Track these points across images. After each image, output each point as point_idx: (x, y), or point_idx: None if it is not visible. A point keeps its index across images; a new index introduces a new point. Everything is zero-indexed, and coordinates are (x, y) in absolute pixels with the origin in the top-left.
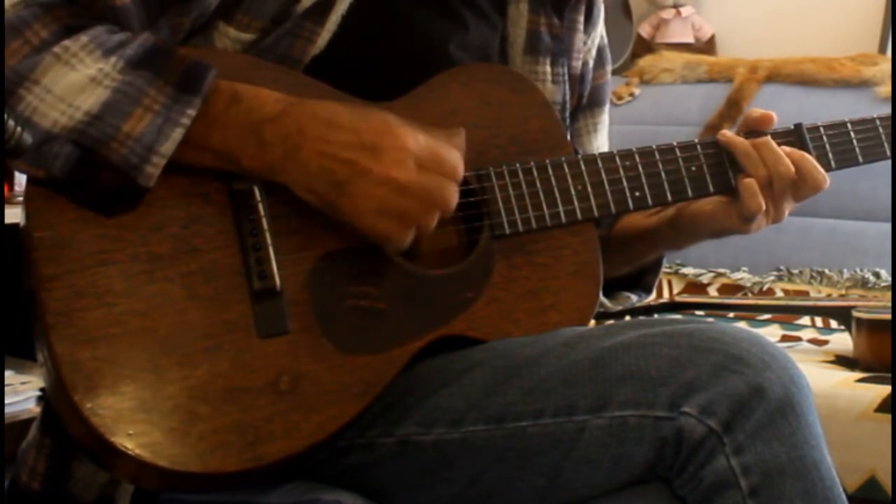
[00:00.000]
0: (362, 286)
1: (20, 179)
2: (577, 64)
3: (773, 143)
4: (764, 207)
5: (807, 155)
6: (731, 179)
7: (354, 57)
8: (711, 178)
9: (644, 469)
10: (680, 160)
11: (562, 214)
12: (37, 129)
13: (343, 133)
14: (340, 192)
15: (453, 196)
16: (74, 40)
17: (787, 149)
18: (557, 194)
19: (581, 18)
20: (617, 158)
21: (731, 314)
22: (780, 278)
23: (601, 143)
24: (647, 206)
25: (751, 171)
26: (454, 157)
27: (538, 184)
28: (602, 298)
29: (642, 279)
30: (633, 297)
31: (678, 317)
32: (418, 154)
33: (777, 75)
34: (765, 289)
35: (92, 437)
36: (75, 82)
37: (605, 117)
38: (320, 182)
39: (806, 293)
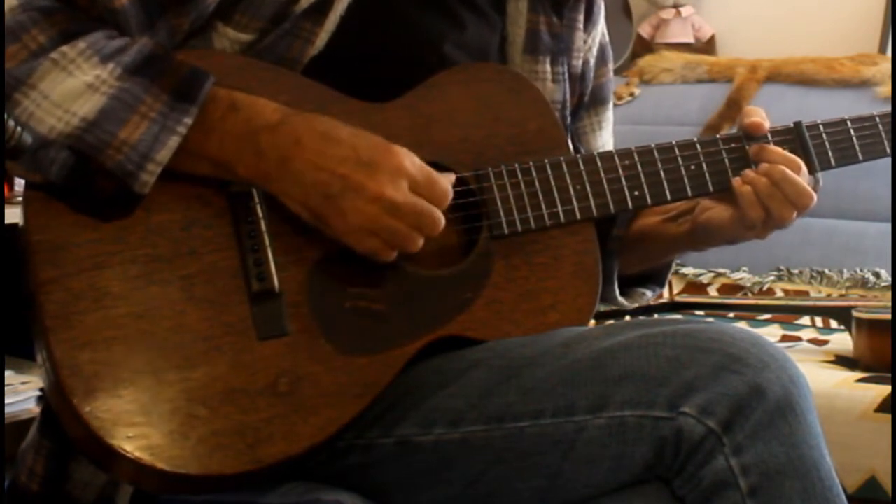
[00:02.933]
0: (361, 287)
1: (20, 179)
2: (578, 63)
3: (792, 176)
4: (764, 216)
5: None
6: (731, 179)
7: (353, 57)
8: (710, 178)
9: (643, 469)
10: (679, 159)
11: (560, 214)
12: (33, 135)
13: (340, 147)
14: (332, 205)
15: (439, 224)
16: (72, 46)
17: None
18: (556, 194)
19: (581, 17)
20: (616, 158)
21: (731, 314)
22: (780, 278)
23: (605, 140)
24: (646, 206)
25: (773, 210)
26: (445, 185)
27: (537, 184)
28: (619, 298)
29: (658, 274)
30: (648, 293)
31: (678, 317)
32: (413, 175)
33: (777, 75)
34: (765, 289)
35: (91, 440)
36: (72, 88)
37: (608, 114)
38: (313, 194)
39: (806, 293)
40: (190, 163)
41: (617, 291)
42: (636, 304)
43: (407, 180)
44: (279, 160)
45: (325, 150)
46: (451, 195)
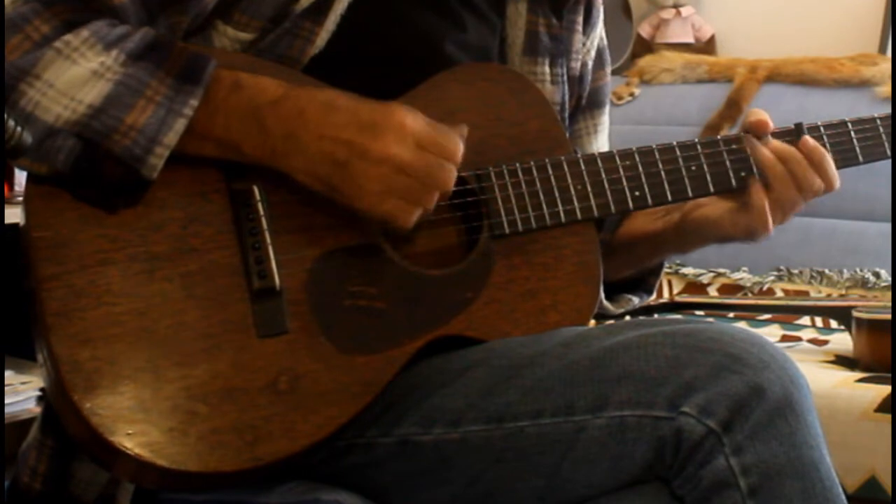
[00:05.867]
0: (362, 286)
1: (20, 179)
2: (576, 65)
3: (802, 160)
4: (772, 227)
5: (828, 155)
6: (731, 179)
7: (353, 56)
8: (711, 178)
9: (643, 469)
10: (680, 160)
11: (561, 214)
12: (39, 124)
13: (342, 115)
14: (341, 173)
15: (452, 177)
16: (75, 35)
17: (811, 143)
18: (557, 194)
19: (580, 20)
20: (617, 158)
21: (731, 314)
22: (780, 278)
23: (601, 144)
24: (646, 206)
25: (777, 188)
26: (453, 140)
27: (538, 184)
28: (604, 302)
29: (644, 281)
30: (635, 300)
31: (678, 317)
32: (417, 133)
33: (777, 75)
34: (765, 289)
35: (91, 437)
36: (77, 76)
37: (605, 118)
38: (321, 165)
39: (806, 293)
40: (196, 145)
41: (602, 295)
42: (622, 310)
43: (412, 137)
44: (284, 134)
45: (327, 118)
46: (461, 146)
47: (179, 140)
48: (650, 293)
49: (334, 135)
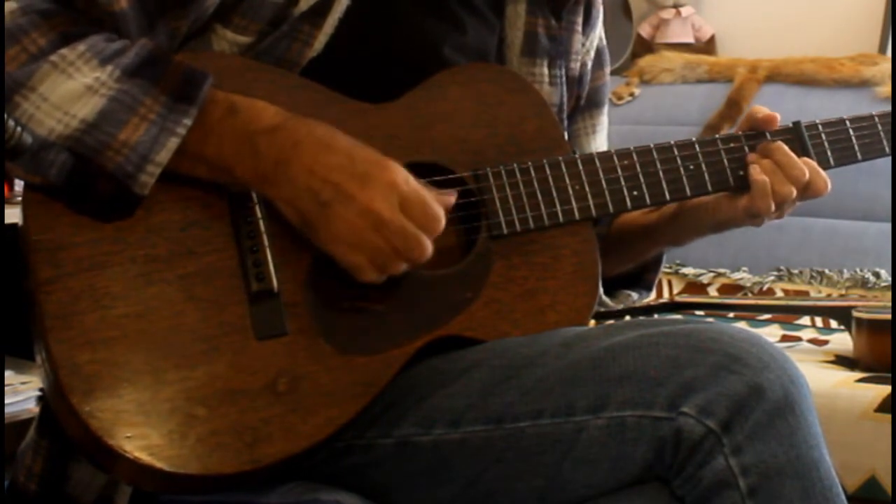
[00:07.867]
0: (359, 287)
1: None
2: (576, 66)
3: (780, 147)
4: (773, 208)
5: (810, 161)
6: (730, 178)
7: (352, 59)
8: (710, 177)
9: (643, 469)
10: (678, 159)
11: (559, 214)
12: (33, 137)
13: (337, 156)
14: (321, 213)
15: (425, 252)
16: (72, 49)
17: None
18: (555, 194)
19: (579, 20)
20: (615, 158)
21: (731, 314)
22: (780, 278)
23: (600, 144)
24: (644, 206)
25: (774, 182)
26: (438, 211)
27: (535, 184)
28: (603, 297)
29: (643, 277)
30: (634, 295)
31: (678, 317)
32: (405, 195)
33: (777, 75)
34: (765, 289)
35: (90, 440)
36: (72, 91)
37: (603, 119)
38: (305, 200)
39: (806, 293)
40: (188, 165)
41: (601, 290)
42: (621, 305)
43: (399, 198)
44: (276, 162)
45: (321, 156)
46: (442, 222)
47: (172, 159)
48: (649, 290)
49: (324, 174)
